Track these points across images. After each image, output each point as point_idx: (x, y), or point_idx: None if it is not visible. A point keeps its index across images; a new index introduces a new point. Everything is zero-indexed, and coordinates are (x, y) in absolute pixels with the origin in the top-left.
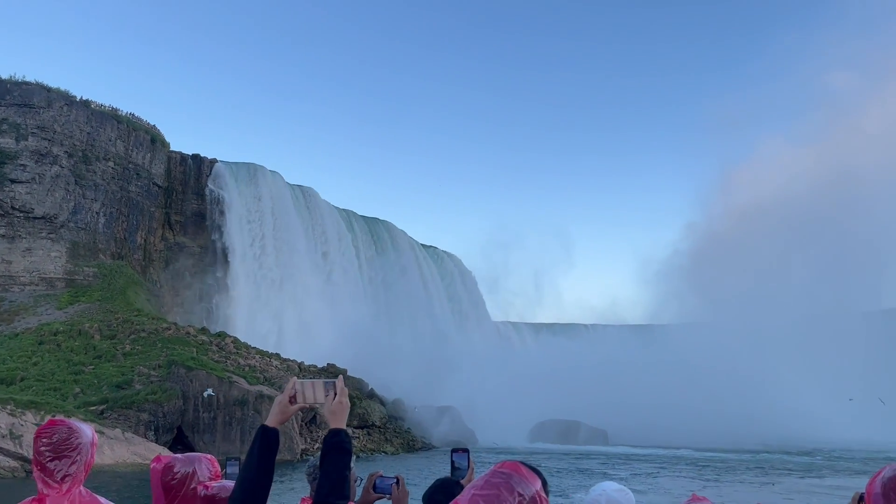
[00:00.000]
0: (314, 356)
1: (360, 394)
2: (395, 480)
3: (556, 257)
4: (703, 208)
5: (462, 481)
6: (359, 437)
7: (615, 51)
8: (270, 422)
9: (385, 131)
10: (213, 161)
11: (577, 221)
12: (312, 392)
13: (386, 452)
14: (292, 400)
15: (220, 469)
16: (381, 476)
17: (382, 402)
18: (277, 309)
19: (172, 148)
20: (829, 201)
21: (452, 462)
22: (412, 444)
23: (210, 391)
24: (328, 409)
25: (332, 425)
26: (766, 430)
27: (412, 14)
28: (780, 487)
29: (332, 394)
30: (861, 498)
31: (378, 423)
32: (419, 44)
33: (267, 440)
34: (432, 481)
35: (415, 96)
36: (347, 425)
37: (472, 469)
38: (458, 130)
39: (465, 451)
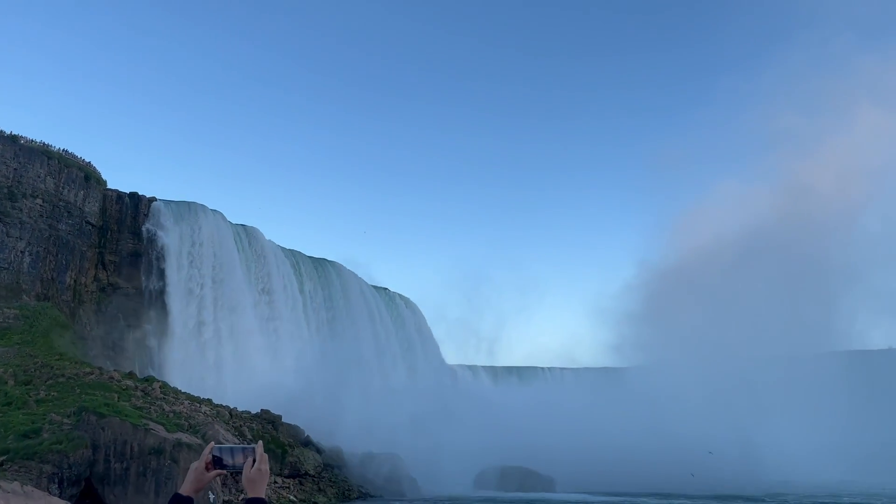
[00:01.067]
0: (252, 402)
1: (295, 441)
2: None
3: (515, 299)
4: (655, 249)
5: None
6: (289, 487)
7: (566, 95)
8: (185, 490)
9: (335, 170)
10: (152, 199)
11: (537, 263)
12: (231, 458)
13: (317, 503)
14: (209, 466)
15: None
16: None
17: (319, 450)
18: (216, 353)
19: (109, 186)
20: (779, 239)
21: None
22: (348, 494)
23: (212, 496)
24: (246, 476)
25: (251, 494)
26: (730, 472)
27: (360, 45)
28: None
29: (250, 460)
30: None
31: (312, 471)
32: (370, 77)
33: None
34: None
35: (366, 134)
36: (278, 474)
37: None
38: (411, 170)
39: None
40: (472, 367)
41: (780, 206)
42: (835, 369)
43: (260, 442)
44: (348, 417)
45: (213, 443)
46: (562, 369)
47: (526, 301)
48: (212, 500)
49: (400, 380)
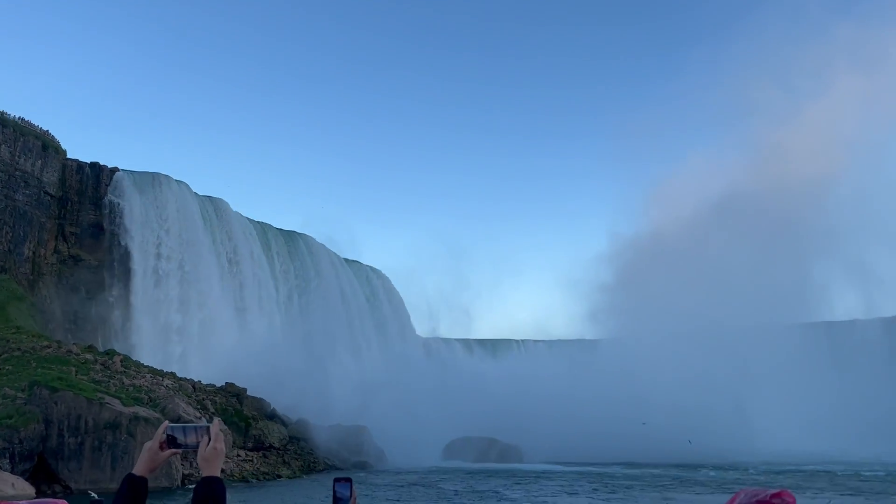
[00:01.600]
0: (219, 375)
1: (260, 414)
2: None
3: (488, 272)
4: (628, 219)
5: None
6: (252, 461)
7: (537, 63)
8: (138, 470)
9: (306, 141)
10: (114, 170)
11: (509, 234)
12: (185, 437)
13: (281, 476)
14: (163, 446)
15: None
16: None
17: (285, 423)
18: (182, 326)
19: (69, 155)
20: (754, 208)
21: (334, 492)
22: (313, 466)
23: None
24: (201, 455)
25: (205, 473)
26: (701, 443)
27: (329, 11)
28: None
29: (206, 439)
30: None
31: (277, 444)
32: (340, 45)
33: (134, 490)
34: None
35: (336, 105)
36: (241, 447)
37: (355, 499)
38: (384, 142)
39: (348, 480)
40: (445, 340)
41: (754, 175)
42: (808, 340)
43: (215, 420)
44: (317, 390)
45: (166, 422)
46: (535, 341)
47: (499, 273)
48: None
49: (371, 353)
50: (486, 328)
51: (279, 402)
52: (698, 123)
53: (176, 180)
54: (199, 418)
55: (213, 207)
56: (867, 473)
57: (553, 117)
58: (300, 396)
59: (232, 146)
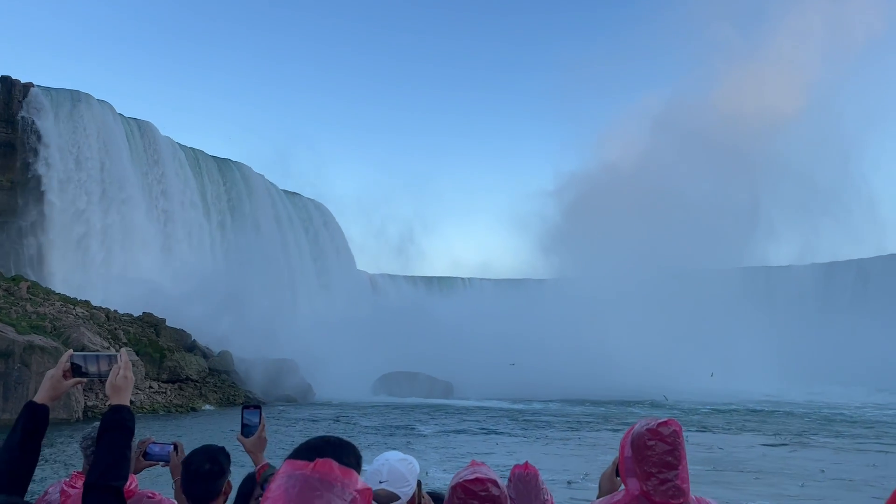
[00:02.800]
0: (140, 306)
1: (178, 346)
2: (171, 447)
3: (434, 207)
4: (576, 157)
5: (250, 438)
6: (165, 393)
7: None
8: (39, 398)
9: (245, 63)
10: (29, 85)
11: (461, 172)
12: (91, 366)
13: (196, 409)
14: (67, 375)
15: None
16: (154, 442)
17: (205, 355)
18: (102, 254)
19: None
20: (707, 149)
21: (243, 418)
22: (233, 399)
23: None
24: (110, 383)
25: (114, 401)
26: (630, 384)
27: None
28: (583, 440)
29: (116, 367)
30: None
31: (195, 377)
32: None
33: (34, 419)
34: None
35: (281, 25)
36: (155, 379)
37: (263, 426)
38: (319, 68)
39: (257, 407)
40: (391, 277)
41: (710, 112)
42: (750, 284)
43: (124, 349)
44: (247, 323)
45: (70, 350)
46: (481, 280)
47: (449, 210)
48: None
49: (309, 287)
50: (435, 266)
51: (205, 333)
52: (653, 64)
53: (98, 100)
54: (108, 348)
55: (140, 129)
56: (799, 411)
57: (505, 49)
58: (229, 328)
59: (165, 67)
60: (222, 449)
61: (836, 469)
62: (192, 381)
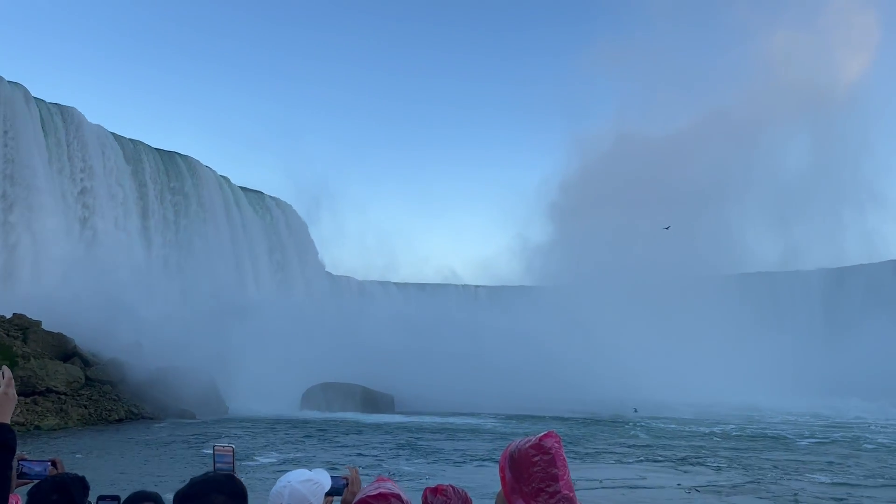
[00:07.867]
0: (47, 313)
1: (51, 352)
2: (49, 463)
3: (414, 212)
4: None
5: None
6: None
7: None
8: None
9: (244, 63)
10: None
11: (440, 176)
12: None
13: (41, 427)
14: None
15: None
16: (27, 459)
17: (88, 363)
18: (5, 257)
19: None
20: (691, 152)
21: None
22: (107, 415)
23: None
24: None
25: None
26: (601, 395)
27: None
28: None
29: None
30: None
31: (63, 389)
32: None
33: None
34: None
35: (280, 25)
36: None
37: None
38: (291, 56)
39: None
40: (366, 282)
41: (708, 116)
42: (738, 291)
43: (5, 366)
44: (171, 329)
45: None
46: (445, 285)
47: (420, 217)
48: None
49: (266, 291)
50: (410, 271)
51: (117, 340)
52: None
53: (9, 81)
54: None
55: (61, 115)
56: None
57: (492, 57)
58: (147, 335)
59: (93, 49)
60: (80, 479)
61: None
62: (56, 393)
